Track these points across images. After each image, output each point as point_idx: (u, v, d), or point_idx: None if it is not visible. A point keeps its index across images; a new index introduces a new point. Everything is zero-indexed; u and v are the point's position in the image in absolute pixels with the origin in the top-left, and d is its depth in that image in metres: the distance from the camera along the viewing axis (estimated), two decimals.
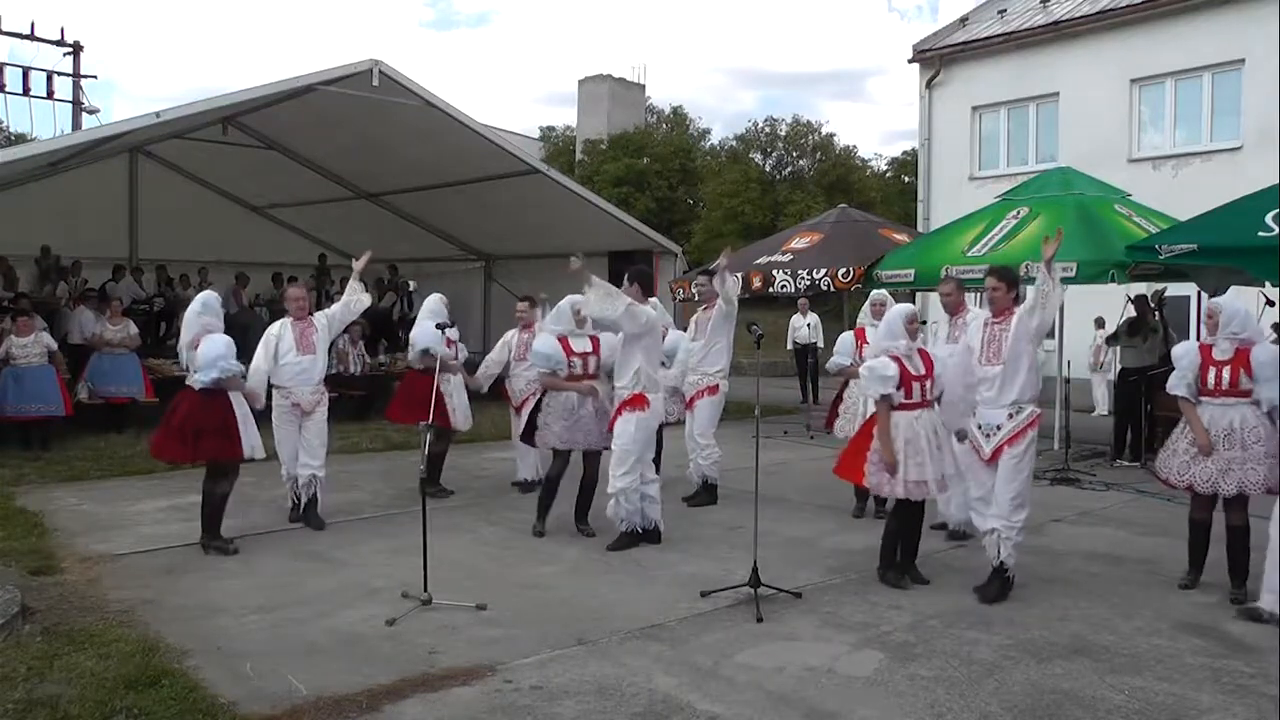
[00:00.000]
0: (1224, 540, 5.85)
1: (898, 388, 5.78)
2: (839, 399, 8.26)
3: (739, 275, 12.43)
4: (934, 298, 16.59)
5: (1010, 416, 5.72)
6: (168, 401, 11.01)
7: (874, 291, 8.98)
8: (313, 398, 7.31)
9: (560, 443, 7.06)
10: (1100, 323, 14.58)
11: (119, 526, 7.28)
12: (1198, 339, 6.52)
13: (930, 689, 4.41)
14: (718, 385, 8.27)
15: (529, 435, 7.41)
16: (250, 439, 6.57)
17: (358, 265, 7.68)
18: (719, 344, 8.23)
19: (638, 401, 6.69)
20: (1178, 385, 5.94)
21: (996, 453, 5.75)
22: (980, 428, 5.83)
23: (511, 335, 8.54)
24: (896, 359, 5.84)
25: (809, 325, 16.43)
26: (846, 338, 8.04)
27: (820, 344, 16.06)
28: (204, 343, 6.49)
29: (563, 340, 7.11)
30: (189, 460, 6.65)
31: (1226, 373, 5.74)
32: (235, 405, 6.54)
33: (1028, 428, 5.71)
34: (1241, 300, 6.43)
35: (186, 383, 6.60)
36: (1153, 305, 11.05)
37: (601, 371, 7.18)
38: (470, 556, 6.58)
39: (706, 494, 8.39)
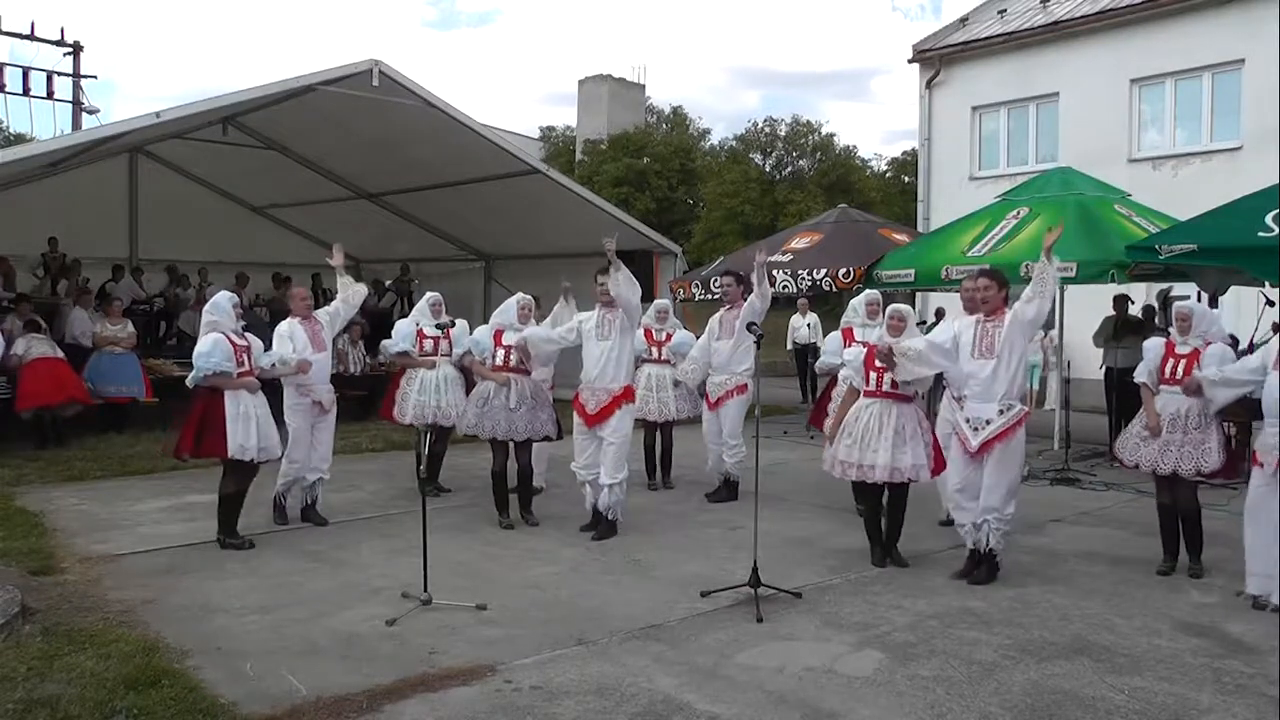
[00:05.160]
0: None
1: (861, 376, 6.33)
2: (828, 397, 8.24)
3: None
4: (934, 298, 16.69)
5: (1001, 413, 5.88)
6: (168, 402, 11.17)
7: (867, 290, 8.99)
8: (329, 395, 7.41)
9: (469, 428, 7.43)
10: None
11: (119, 526, 7.28)
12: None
13: (930, 689, 4.41)
14: (745, 384, 8.36)
15: None
16: (239, 439, 6.43)
17: (337, 261, 7.73)
18: (746, 342, 8.21)
19: (629, 394, 7.11)
20: (1142, 374, 6.43)
21: (985, 447, 5.91)
22: (968, 421, 6.00)
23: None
24: (869, 347, 6.37)
25: (809, 325, 16.42)
26: (836, 337, 8.13)
27: (820, 344, 16.01)
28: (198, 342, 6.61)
29: (498, 332, 7.48)
30: (174, 453, 6.78)
31: (1182, 365, 6.18)
32: (228, 404, 6.46)
33: (1016, 425, 5.90)
34: (1228, 302, 6.64)
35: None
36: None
37: (535, 364, 7.47)
38: (470, 556, 6.57)
39: (728, 491, 8.44)
